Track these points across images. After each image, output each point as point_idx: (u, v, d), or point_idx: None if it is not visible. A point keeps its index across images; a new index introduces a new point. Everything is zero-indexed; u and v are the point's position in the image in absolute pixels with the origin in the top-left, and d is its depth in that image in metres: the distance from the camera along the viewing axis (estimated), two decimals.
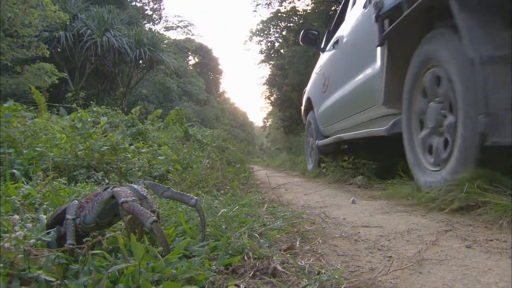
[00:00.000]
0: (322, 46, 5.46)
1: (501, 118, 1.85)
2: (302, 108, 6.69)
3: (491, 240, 1.54)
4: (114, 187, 1.20)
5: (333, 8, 18.33)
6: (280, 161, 13.10)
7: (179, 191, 1.40)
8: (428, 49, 2.47)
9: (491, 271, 1.20)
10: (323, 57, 5.31)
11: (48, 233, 1.22)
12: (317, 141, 5.52)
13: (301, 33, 5.63)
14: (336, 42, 4.45)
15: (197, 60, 41.36)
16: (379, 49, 2.98)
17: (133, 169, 3.31)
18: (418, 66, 2.59)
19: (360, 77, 3.54)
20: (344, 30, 4.22)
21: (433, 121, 2.44)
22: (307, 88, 6.29)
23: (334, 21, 4.98)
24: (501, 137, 1.86)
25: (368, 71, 3.32)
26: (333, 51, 4.61)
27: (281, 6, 26.71)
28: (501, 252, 1.38)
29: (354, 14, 3.86)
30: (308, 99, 6.10)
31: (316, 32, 5.60)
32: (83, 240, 1.23)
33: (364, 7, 3.42)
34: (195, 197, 1.34)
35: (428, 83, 2.50)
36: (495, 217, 1.81)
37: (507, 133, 1.83)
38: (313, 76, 5.88)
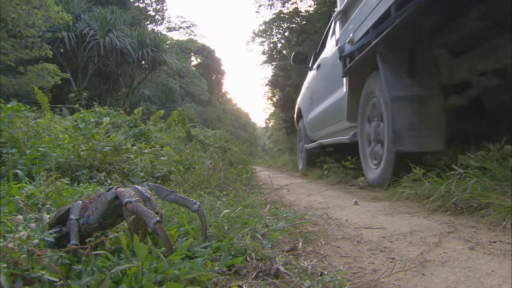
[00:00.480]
0: (310, 65, 6.22)
1: (402, 135, 2.84)
2: (295, 116, 7.69)
3: (494, 242, 1.54)
4: (118, 187, 1.21)
5: (335, 9, 18.32)
6: (282, 162, 13.09)
7: (182, 195, 1.40)
8: (370, 85, 3.43)
9: (494, 273, 1.19)
10: (310, 75, 6.20)
11: (50, 234, 1.22)
12: (305, 145, 6.47)
13: (292, 55, 6.59)
14: (319, 65, 5.43)
15: (199, 60, 41.39)
16: (345, 78, 3.92)
17: (136, 169, 3.31)
18: (366, 95, 3.56)
19: (334, 96, 4.53)
20: (324, 56, 5.14)
21: (373, 134, 3.48)
22: (298, 100, 7.32)
23: (319, 44, 5.81)
24: (402, 146, 2.89)
25: (339, 93, 4.29)
26: (317, 72, 5.56)
27: (284, 7, 26.72)
28: (504, 254, 1.38)
29: (331, 45, 4.67)
30: (299, 109, 7.07)
31: (305, 54, 6.62)
32: (86, 240, 1.23)
33: (336, 44, 4.25)
34: (198, 203, 1.34)
35: (370, 108, 3.52)
36: (498, 218, 1.81)
37: (406, 144, 2.86)
38: (303, 90, 6.87)
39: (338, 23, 4.24)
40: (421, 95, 2.86)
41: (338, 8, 4.18)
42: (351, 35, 3.61)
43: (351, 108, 3.87)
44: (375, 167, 3.45)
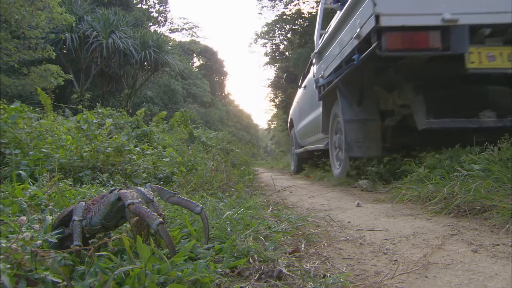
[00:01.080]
0: (299, 84, 7.18)
1: (352, 146, 3.96)
2: (288, 125, 8.90)
3: (498, 245, 1.53)
4: (120, 189, 1.21)
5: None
6: (284, 164, 13.07)
7: (184, 196, 1.40)
8: (335, 109, 4.63)
9: (498, 276, 1.19)
10: (300, 92, 7.28)
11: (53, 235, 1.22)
12: (296, 150, 7.75)
13: (284, 75, 7.81)
14: (305, 86, 6.61)
15: (202, 62, 41.44)
16: (320, 101, 5.07)
17: (138, 170, 3.32)
18: (333, 115, 4.80)
19: (314, 113, 5.80)
20: (309, 79, 6.21)
21: (337, 143, 4.75)
22: (291, 111, 8.49)
23: (307, 67, 6.78)
24: (352, 153, 4.02)
25: (317, 111, 5.46)
26: (304, 91, 6.75)
27: (286, 8, 26.75)
28: (507, 257, 1.37)
29: (313, 72, 5.63)
30: (291, 119, 8.27)
31: (295, 74, 8.07)
32: (89, 241, 1.24)
33: (313, 76, 5.38)
34: (201, 205, 1.34)
35: (336, 125, 4.75)
36: (502, 221, 1.80)
37: (354, 152, 3.97)
38: (294, 103, 8.06)
39: (315, 60, 5.27)
40: (365, 118, 4.05)
41: (315, 50, 5.20)
42: (322, 72, 4.69)
43: (324, 123, 5.11)
44: (338, 167, 4.75)
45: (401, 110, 4.06)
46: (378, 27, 2.97)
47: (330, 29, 4.67)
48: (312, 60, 5.76)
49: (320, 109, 5.13)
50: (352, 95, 4.11)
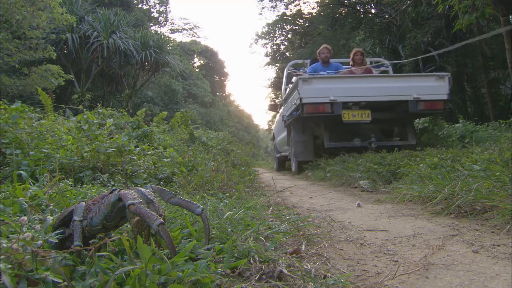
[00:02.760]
0: (278, 110, 9.86)
1: (298, 154, 7.00)
2: (272, 137, 12.07)
3: (498, 245, 1.53)
4: (121, 189, 1.21)
5: (338, 11, 18.32)
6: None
7: (185, 197, 1.40)
8: (291, 133, 7.44)
9: (499, 276, 1.19)
10: (278, 116, 10.17)
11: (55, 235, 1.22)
12: (276, 154, 10.51)
13: (268, 105, 10.70)
14: (280, 113, 9.13)
15: (202, 62, 41.45)
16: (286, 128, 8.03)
17: (139, 171, 3.32)
18: (291, 137, 7.37)
19: (284, 133, 8.35)
20: (283, 109, 8.37)
21: (292, 152, 7.56)
22: (273, 127, 11.78)
23: (283, 99, 8.63)
24: (298, 159, 7.07)
25: (285, 132, 8.09)
26: (279, 116, 9.50)
27: (287, 9, 26.75)
28: (508, 258, 1.37)
29: (281, 110, 8.80)
30: (273, 134, 11.30)
31: (276, 103, 10.43)
32: (90, 242, 1.23)
33: (280, 113, 8.68)
34: (202, 206, 1.34)
35: (291, 142, 7.57)
36: (502, 222, 1.80)
37: (299, 157, 7.03)
38: (276, 123, 10.88)
39: (282, 102, 8.46)
40: (305, 140, 6.92)
41: (282, 97, 8.53)
42: (285, 112, 7.75)
43: (287, 140, 8.00)
44: (293, 167, 7.49)
45: (321, 137, 6.78)
46: (301, 103, 6.04)
47: (288, 89, 7.71)
48: (281, 102, 9.02)
49: (285, 132, 8.11)
50: (298, 127, 7.00)
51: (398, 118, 6.44)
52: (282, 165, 10.27)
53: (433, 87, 6.07)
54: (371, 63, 7.95)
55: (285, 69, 8.84)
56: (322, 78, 6.44)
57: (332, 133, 6.39)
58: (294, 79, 7.00)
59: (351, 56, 7.04)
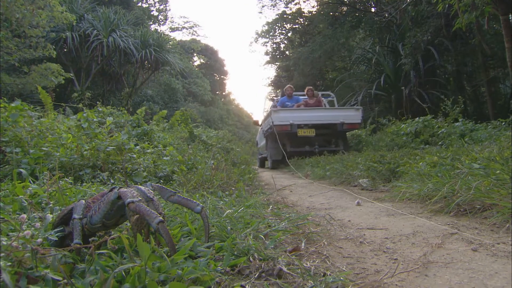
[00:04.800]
0: (260, 125, 12.40)
1: (272, 155, 10.19)
2: (255, 143, 15.50)
3: (498, 244, 1.53)
4: (120, 187, 1.21)
5: (338, 10, 18.31)
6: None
7: (185, 195, 1.40)
8: (268, 142, 10.99)
9: (498, 274, 1.19)
10: (259, 129, 12.89)
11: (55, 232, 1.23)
12: (258, 156, 13.58)
13: (252, 121, 15.70)
14: (261, 127, 12.19)
15: (202, 61, 41.45)
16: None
17: (139, 169, 3.32)
18: (267, 143, 11.06)
19: (263, 141, 11.90)
20: (262, 125, 11.67)
21: (268, 154, 10.96)
22: (257, 137, 14.63)
23: (263, 118, 12.19)
24: (272, 159, 10.27)
25: (264, 141, 11.63)
26: (261, 128, 12.28)
27: (287, 7, 26.72)
28: (508, 256, 1.37)
29: (262, 125, 12.19)
30: (256, 141, 14.56)
31: (257, 121, 13.07)
32: (90, 240, 1.24)
33: (261, 128, 12.33)
34: (201, 204, 1.34)
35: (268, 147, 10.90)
36: (502, 220, 1.80)
37: (273, 157, 10.11)
38: (258, 133, 13.91)
39: (262, 120, 11.78)
40: (276, 146, 9.40)
41: (263, 116, 12.22)
42: (264, 127, 10.99)
43: (266, 146, 10.88)
44: (270, 164, 10.49)
45: (286, 145, 9.51)
46: (273, 124, 9.20)
47: (266, 113, 11.35)
48: (262, 120, 12.17)
49: (264, 140, 11.34)
50: (272, 138, 9.67)
51: (332, 133, 9.64)
52: (263, 163, 13.08)
53: (352, 115, 9.56)
54: (323, 95, 11.72)
55: (264, 97, 14.19)
56: (285, 109, 9.99)
57: (292, 142, 9.64)
58: (269, 107, 11.45)
59: (305, 91, 10.74)
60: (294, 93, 11.05)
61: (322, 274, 1.17)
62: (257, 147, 14.56)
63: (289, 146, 9.55)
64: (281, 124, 9.25)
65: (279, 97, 11.83)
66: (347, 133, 10.39)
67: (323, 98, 11.15)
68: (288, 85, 11.30)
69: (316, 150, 9.19)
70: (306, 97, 10.56)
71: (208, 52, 40.83)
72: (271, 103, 12.01)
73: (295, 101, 10.56)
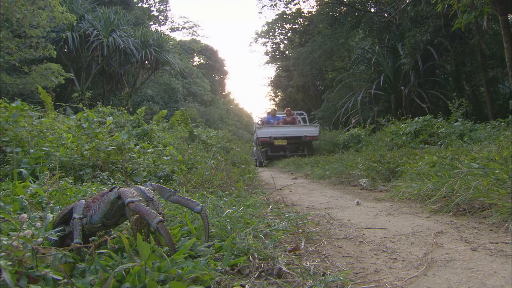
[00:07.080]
0: (254, 132, 16.39)
1: (260, 157, 13.86)
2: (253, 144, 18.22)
3: (497, 243, 1.54)
4: (120, 187, 1.21)
5: (338, 10, 18.31)
6: (284, 163, 13.06)
7: (185, 195, 1.40)
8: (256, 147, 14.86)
9: (497, 274, 1.19)
10: (254, 134, 15.96)
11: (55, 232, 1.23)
12: (254, 157, 14.51)
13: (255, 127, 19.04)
14: (254, 133, 16.48)
15: (202, 61, 41.43)
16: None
17: (139, 169, 3.32)
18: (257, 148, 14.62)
19: (255, 148, 14.59)
20: (255, 135, 15.89)
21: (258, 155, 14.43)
22: (254, 140, 17.40)
23: (254, 130, 16.83)
24: (259, 160, 13.84)
25: (255, 147, 14.71)
26: (254, 133, 16.16)
27: (287, 8, 26.73)
28: (506, 255, 1.38)
29: (254, 135, 16.62)
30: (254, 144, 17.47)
31: (253, 131, 17.80)
32: (90, 239, 1.24)
33: (254, 136, 16.45)
34: (201, 204, 1.34)
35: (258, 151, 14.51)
36: (501, 219, 1.81)
37: (259, 159, 13.83)
38: (254, 137, 16.74)
39: (255, 130, 15.77)
40: (261, 152, 13.46)
41: (254, 131, 16.76)
42: (254, 137, 15.74)
43: (255, 151, 13.75)
44: (258, 163, 13.31)
45: (267, 150, 13.89)
46: (258, 137, 14.07)
47: (256, 128, 15.42)
48: (254, 131, 15.67)
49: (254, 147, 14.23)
50: (258, 145, 13.27)
51: (299, 143, 13.82)
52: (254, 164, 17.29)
53: (312, 130, 14.01)
54: (298, 113, 16.35)
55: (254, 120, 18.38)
56: (266, 126, 14.38)
57: (271, 149, 13.81)
58: (257, 123, 16.04)
59: (285, 111, 15.31)
60: (277, 113, 16.30)
61: (322, 273, 1.17)
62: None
63: (270, 151, 14.02)
64: (263, 136, 13.83)
65: (265, 116, 16.69)
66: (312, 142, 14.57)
67: (297, 116, 15.71)
68: (273, 108, 18.34)
69: (288, 154, 13.59)
70: (285, 115, 15.10)
71: (208, 52, 40.82)
72: (259, 122, 16.68)
73: (276, 119, 15.23)
